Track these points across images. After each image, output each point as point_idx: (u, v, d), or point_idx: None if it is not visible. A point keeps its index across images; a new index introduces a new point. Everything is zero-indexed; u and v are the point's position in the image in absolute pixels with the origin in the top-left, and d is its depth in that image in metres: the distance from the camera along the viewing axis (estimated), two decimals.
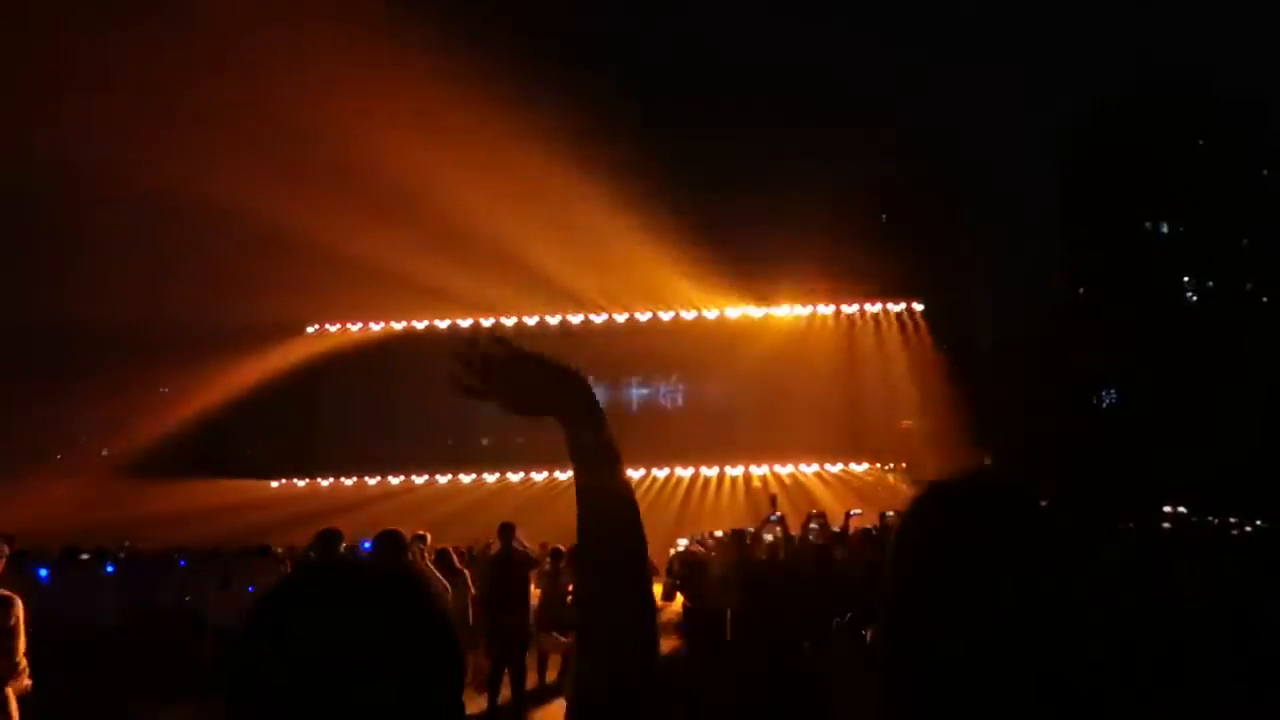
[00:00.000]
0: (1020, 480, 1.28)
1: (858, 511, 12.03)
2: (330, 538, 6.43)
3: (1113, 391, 37.83)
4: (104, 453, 38.66)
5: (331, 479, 33.73)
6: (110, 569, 10.29)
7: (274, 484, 33.75)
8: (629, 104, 31.77)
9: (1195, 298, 46.42)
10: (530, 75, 32.00)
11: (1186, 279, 46.67)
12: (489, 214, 34.07)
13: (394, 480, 33.81)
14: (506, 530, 9.05)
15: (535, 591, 10.05)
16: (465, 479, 33.89)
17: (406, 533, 13.44)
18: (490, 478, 33.81)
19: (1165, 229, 47.40)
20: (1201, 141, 46.39)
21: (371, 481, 33.71)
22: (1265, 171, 51.11)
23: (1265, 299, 46.55)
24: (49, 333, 32.65)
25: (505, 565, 8.80)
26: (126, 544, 12.54)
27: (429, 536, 9.35)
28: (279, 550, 10.37)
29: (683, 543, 19.85)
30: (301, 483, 33.66)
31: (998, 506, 1.23)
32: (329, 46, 29.32)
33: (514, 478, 33.69)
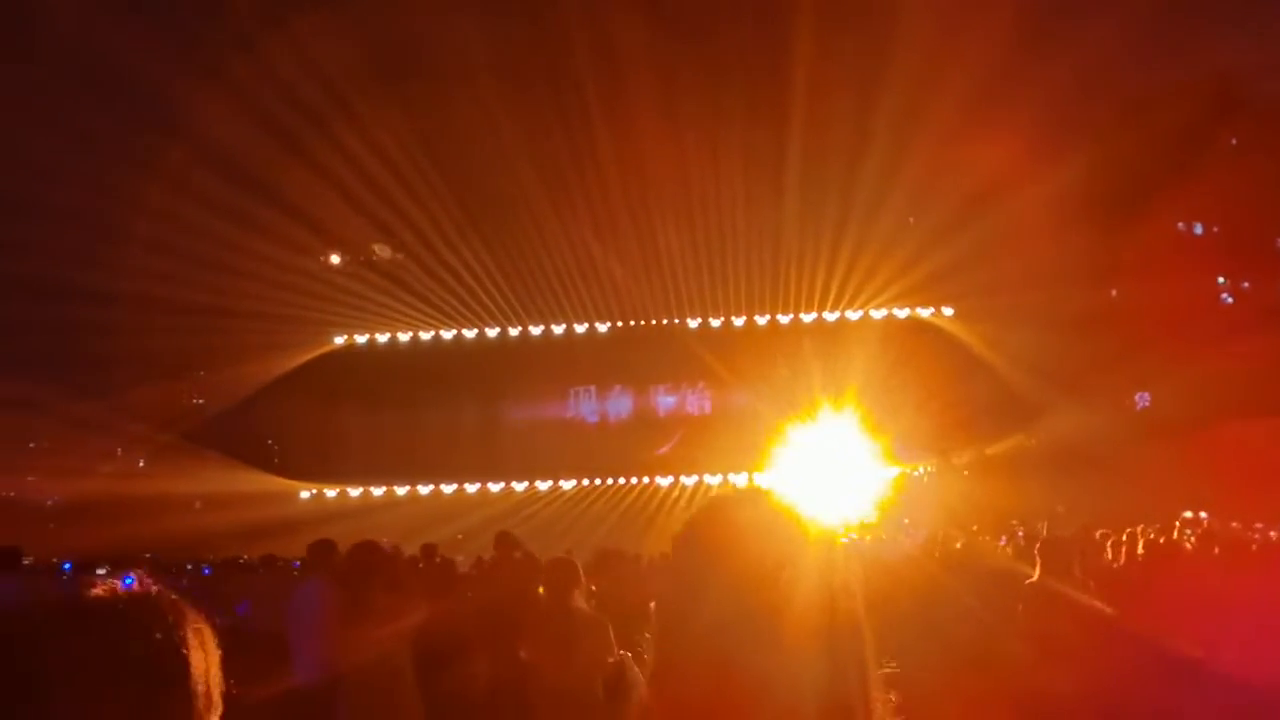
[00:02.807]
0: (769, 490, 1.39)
1: None
2: (324, 547, 6.51)
3: (1146, 395, 37.35)
4: (140, 464, 39.28)
5: (360, 488, 33.90)
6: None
7: (304, 494, 34.05)
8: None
9: (1230, 299, 45.74)
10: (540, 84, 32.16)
11: (1221, 280, 45.98)
12: (513, 225, 34.30)
13: (423, 489, 33.99)
14: (505, 540, 9.00)
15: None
16: (494, 488, 34.04)
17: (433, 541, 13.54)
18: (519, 486, 33.98)
19: (1199, 229, 46.77)
20: (1234, 141, 45.74)
21: (401, 491, 33.88)
22: None
23: None
24: (85, 348, 33.22)
25: (500, 576, 8.70)
26: (148, 555, 12.76)
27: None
28: (281, 560, 10.50)
29: None
30: (332, 492, 33.90)
31: (742, 513, 1.34)
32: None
33: (542, 486, 33.88)
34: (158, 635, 1.12)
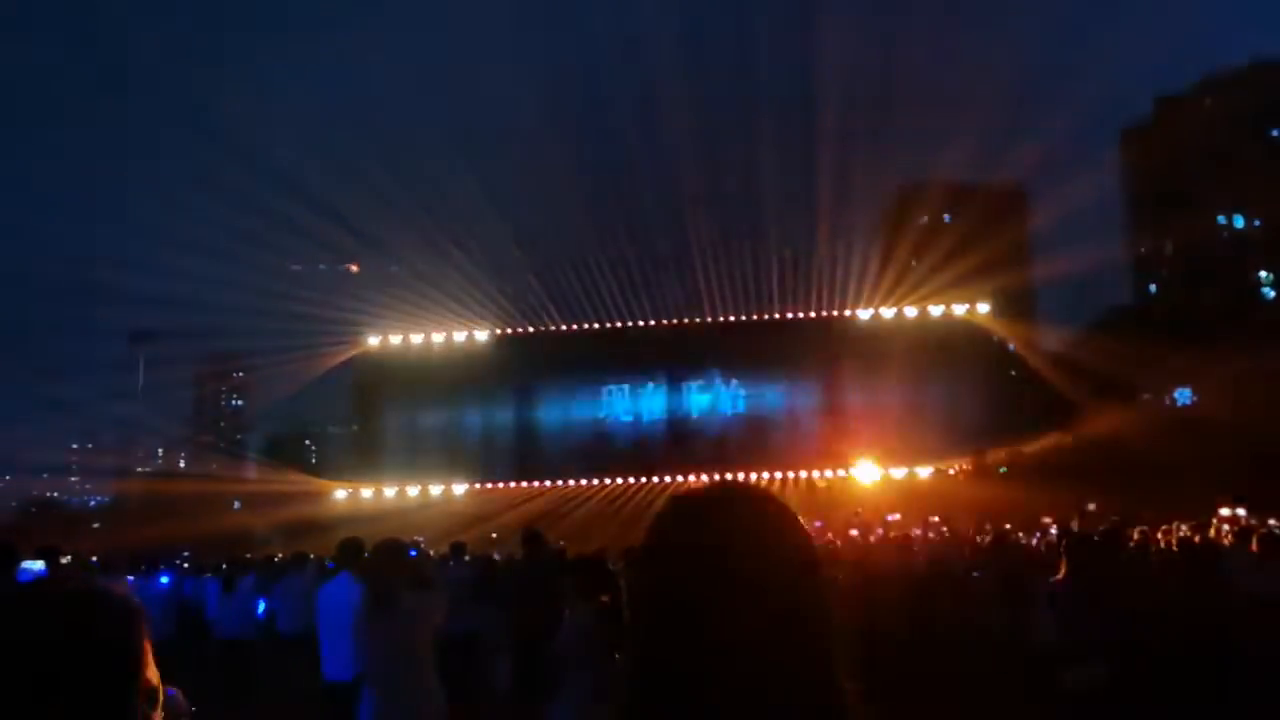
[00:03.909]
0: (754, 487, 1.31)
1: (895, 516, 11.97)
2: (352, 546, 6.57)
3: (1185, 391, 36.89)
4: (181, 464, 39.88)
5: (396, 487, 34.02)
6: (167, 579, 10.60)
7: (340, 494, 34.23)
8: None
9: (1273, 293, 45.09)
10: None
11: (1263, 274, 45.35)
12: (547, 224, 34.42)
13: (458, 489, 34.07)
14: (532, 537, 8.94)
15: None
16: (529, 486, 34.06)
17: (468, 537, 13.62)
18: (554, 484, 34.01)
19: (1240, 223, 46.11)
20: (1276, 133, 45.09)
21: (436, 490, 33.92)
22: None
23: None
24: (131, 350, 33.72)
25: (529, 575, 8.67)
26: (186, 554, 12.95)
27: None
28: (312, 557, 10.60)
29: None
30: (368, 492, 34.02)
31: (726, 512, 1.26)
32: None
33: (577, 484, 33.91)
34: (103, 629, 1.18)
